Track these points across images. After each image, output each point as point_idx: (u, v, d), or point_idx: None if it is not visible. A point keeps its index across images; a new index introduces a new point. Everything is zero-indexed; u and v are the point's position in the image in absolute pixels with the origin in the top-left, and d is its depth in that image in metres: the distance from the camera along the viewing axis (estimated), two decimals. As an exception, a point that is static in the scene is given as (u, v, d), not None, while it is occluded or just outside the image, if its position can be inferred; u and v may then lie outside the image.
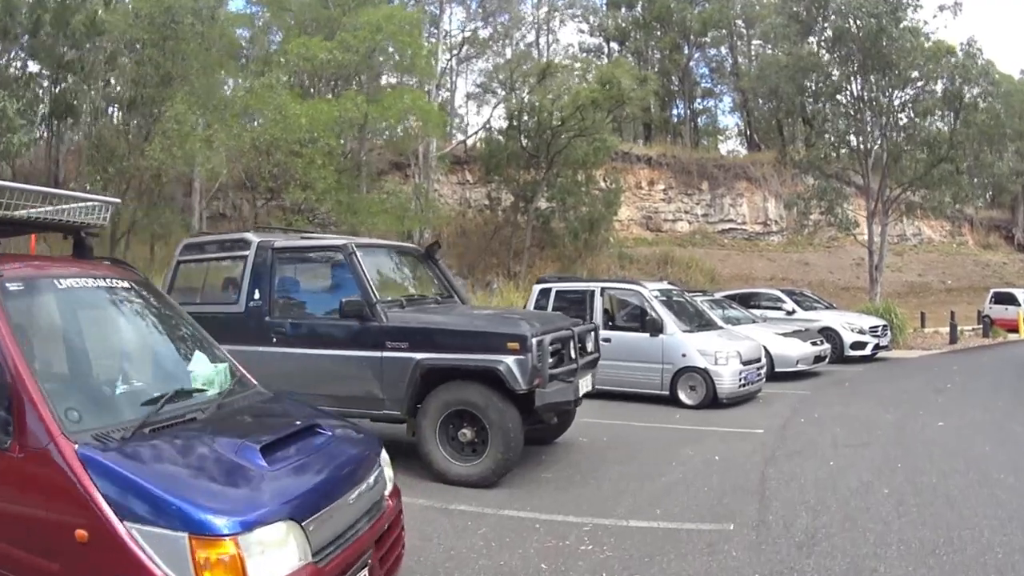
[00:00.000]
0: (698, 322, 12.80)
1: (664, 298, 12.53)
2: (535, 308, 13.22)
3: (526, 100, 28.87)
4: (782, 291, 20.27)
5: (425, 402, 7.29)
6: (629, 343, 12.19)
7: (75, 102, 20.34)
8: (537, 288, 13.51)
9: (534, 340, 6.95)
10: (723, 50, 43.56)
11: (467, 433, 7.16)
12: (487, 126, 32.21)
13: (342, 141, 24.81)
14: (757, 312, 17.92)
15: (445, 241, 32.47)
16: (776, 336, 14.93)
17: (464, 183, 34.76)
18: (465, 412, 7.14)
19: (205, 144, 18.04)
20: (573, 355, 7.61)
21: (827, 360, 15.88)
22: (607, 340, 12.19)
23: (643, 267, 34.35)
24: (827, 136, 27.47)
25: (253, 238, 8.81)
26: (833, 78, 26.47)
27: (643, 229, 37.33)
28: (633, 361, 12.05)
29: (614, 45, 42.37)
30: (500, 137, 30.81)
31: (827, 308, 20.18)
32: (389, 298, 7.92)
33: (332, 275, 8.46)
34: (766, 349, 14.01)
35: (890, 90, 25.55)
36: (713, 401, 11.43)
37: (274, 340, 8.23)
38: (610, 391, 12.09)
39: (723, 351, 11.61)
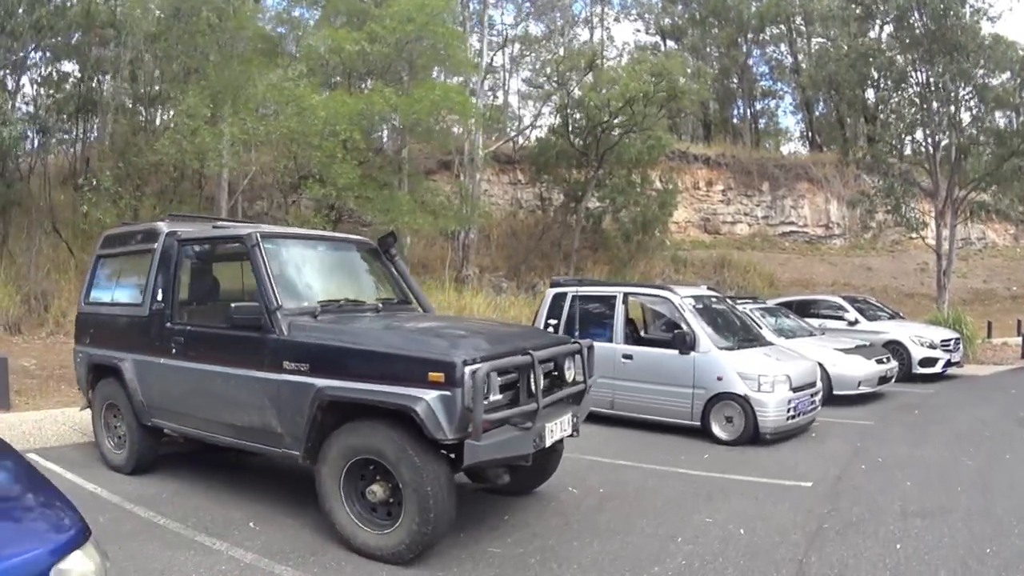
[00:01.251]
0: (742, 336, 10.23)
1: (700, 306, 10.06)
2: (548, 316, 11.00)
3: (576, 94, 26.49)
4: (844, 298, 17.36)
5: (326, 443, 5.19)
6: (654, 361, 9.81)
7: (97, 99, 18.92)
8: (551, 293, 11.23)
9: (467, 369, 4.75)
10: (782, 47, 40.50)
11: (377, 491, 5.01)
12: (535, 123, 29.96)
13: (382, 137, 22.90)
14: (815, 322, 15.35)
15: (494, 243, 30.79)
16: (836, 353, 12.32)
17: (515, 183, 32.53)
18: (377, 462, 5.00)
19: (215, 138, 16.25)
20: (534, 389, 5.28)
21: (893, 380, 13.19)
22: (628, 357, 9.98)
23: (699, 271, 31.79)
24: (891, 128, 24.43)
25: (163, 228, 6.87)
26: (897, 65, 23.44)
27: (700, 231, 34.64)
28: (658, 384, 9.68)
29: (671, 43, 39.71)
30: (551, 136, 28.59)
31: (892, 318, 17.29)
32: (304, 304, 5.83)
33: (238, 273, 6.45)
34: (823, 368, 11.55)
35: (958, 78, 22.46)
36: (754, 436, 8.94)
37: (173, 350, 6.32)
38: (631, 419, 9.89)
39: (768, 374, 9.08)
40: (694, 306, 9.92)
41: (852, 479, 7.36)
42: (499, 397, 5.10)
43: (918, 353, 15.06)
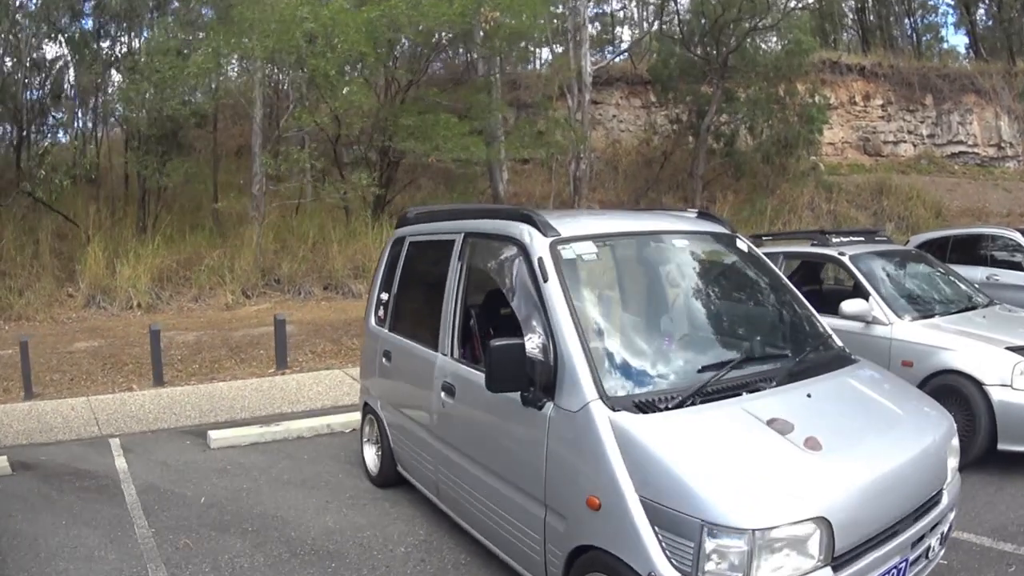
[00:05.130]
0: (764, 347, 3.21)
1: (626, 265, 3.33)
2: (382, 284, 4.61)
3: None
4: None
5: None
6: (485, 412, 3.14)
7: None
8: (392, 238, 4.72)
9: None
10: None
11: None
12: (654, 31, 22.29)
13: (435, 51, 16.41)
14: (981, 273, 7.65)
15: (622, 173, 23.67)
16: (1008, 356, 4.62)
17: (647, 106, 24.76)
18: None
19: (177, 71, 10.98)
20: None
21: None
22: (450, 391, 3.41)
23: (853, 199, 22.62)
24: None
25: None
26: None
27: (859, 153, 25.02)
28: (490, 474, 3.09)
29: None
30: (672, 43, 20.99)
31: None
32: None
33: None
34: (980, 390, 4.38)
35: None
36: None
37: None
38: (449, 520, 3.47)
39: (758, 520, 2.14)
40: (585, 256, 3.04)
41: None
42: None
43: None
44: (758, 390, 2.72)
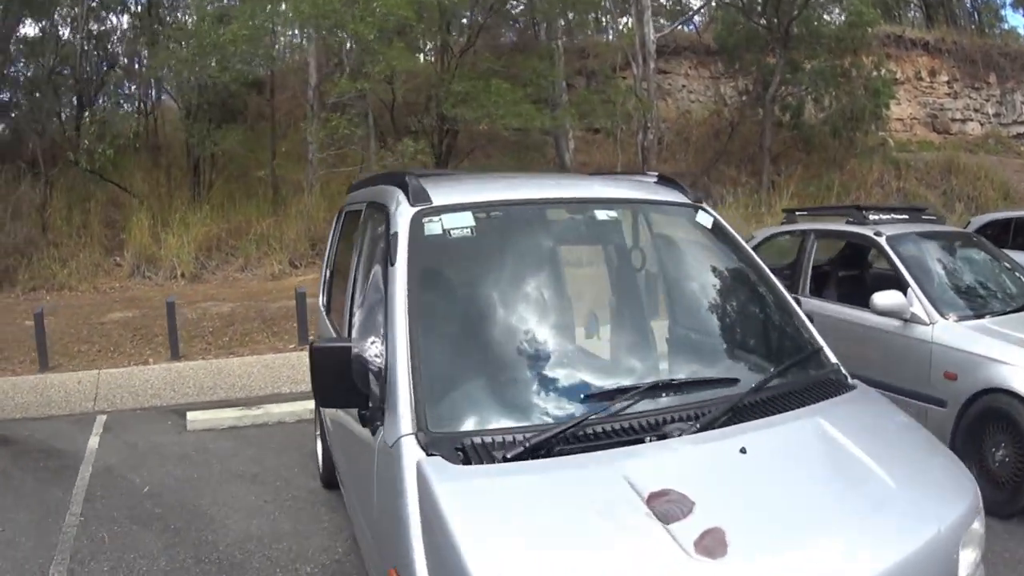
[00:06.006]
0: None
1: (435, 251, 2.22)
2: (329, 249, 4.00)
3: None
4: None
5: None
6: (346, 429, 2.43)
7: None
8: (340, 208, 4.06)
9: None
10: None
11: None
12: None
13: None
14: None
15: (693, 145, 22.12)
16: None
17: (717, 76, 23.02)
18: None
19: (213, 35, 10.50)
20: None
21: None
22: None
23: (923, 176, 20.51)
24: None
25: None
26: None
27: (928, 130, 22.89)
28: (355, 494, 2.34)
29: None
30: (736, 12, 19.39)
31: None
32: None
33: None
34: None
35: None
36: None
37: None
38: None
39: None
40: (464, 243, 2.19)
41: None
42: None
43: None
44: (665, 436, 1.74)
